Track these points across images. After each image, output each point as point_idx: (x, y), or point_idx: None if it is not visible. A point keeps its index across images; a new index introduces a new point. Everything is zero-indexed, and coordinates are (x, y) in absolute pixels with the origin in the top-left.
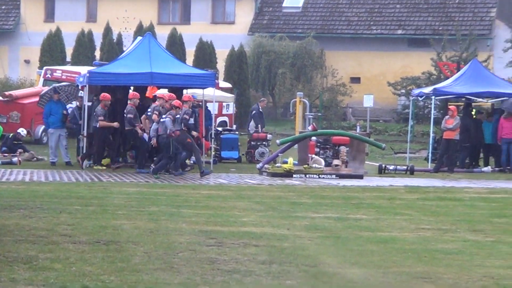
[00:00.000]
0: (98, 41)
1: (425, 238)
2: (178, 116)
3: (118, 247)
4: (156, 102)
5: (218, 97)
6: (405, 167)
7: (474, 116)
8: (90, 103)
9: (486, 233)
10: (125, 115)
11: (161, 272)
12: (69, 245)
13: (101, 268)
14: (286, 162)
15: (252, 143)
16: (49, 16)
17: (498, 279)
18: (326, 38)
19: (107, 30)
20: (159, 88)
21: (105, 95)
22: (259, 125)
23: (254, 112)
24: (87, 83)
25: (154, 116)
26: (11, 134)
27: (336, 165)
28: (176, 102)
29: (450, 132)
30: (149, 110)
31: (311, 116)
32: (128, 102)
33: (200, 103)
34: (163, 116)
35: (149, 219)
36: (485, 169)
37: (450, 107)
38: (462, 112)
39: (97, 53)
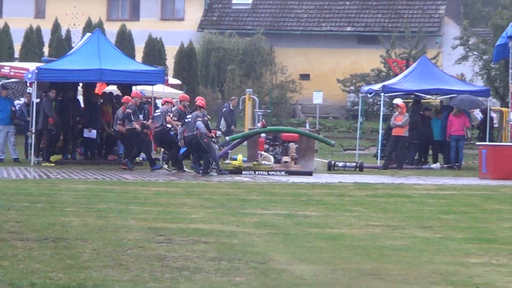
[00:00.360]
0: (46, 37)
1: (374, 235)
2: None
3: (67, 244)
4: (164, 105)
5: (167, 94)
6: (354, 164)
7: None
8: (38, 100)
9: (435, 230)
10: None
11: (110, 269)
12: (17, 242)
13: (49, 265)
14: (235, 159)
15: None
16: None
17: (446, 276)
18: (276, 35)
19: (56, 26)
20: (108, 84)
21: (128, 98)
22: (231, 126)
23: (224, 109)
24: (35, 79)
25: (168, 119)
26: None
27: (286, 162)
28: (200, 103)
29: (399, 129)
30: (157, 111)
31: (261, 113)
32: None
33: (150, 100)
34: (188, 117)
35: (98, 216)
36: (434, 166)
37: (399, 104)
38: (411, 109)
39: (46, 50)
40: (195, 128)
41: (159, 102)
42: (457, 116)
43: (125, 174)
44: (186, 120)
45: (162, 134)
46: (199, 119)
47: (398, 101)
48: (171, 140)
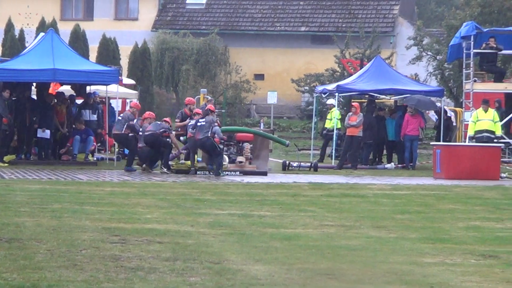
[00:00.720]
0: None
1: (328, 235)
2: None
3: (21, 244)
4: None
5: (121, 94)
6: (308, 164)
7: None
8: None
9: (389, 230)
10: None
11: (64, 270)
12: None
13: (3, 266)
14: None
15: None
16: None
17: (401, 275)
18: (230, 35)
19: (9, 26)
20: (62, 84)
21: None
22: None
23: None
24: None
25: (173, 139)
26: None
27: (240, 162)
28: (211, 107)
29: (354, 129)
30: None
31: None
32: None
33: (104, 100)
34: (201, 120)
35: (52, 216)
36: (388, 165)
37: (353, 104)
38: (365, 109)
39: None
40: (210, 133)
41: (113, 102)
42: (414, 116)
43: (79, 174)
44: (198, 124)
45: (153, 137)
46: (215, 124)
47: (331, 101)
48: (162, 142)
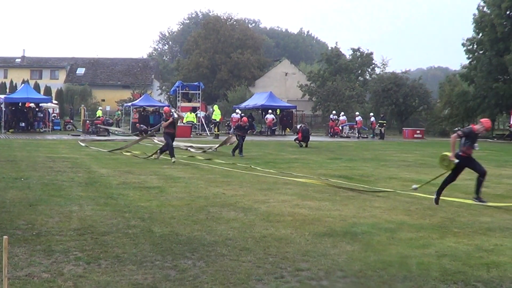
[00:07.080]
0: None
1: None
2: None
3: (13, 162)
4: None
5: (53, 106)
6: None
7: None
8: None
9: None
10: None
11: (31, 172)
12: None
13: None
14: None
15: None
16: None
17: (159, 173)
18: (93, 85)
19: None
20: (31, 103)
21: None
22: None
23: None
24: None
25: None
26: None
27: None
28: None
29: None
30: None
31: (88, 113)
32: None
33: (46, 108)
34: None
35: (27, 151)
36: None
37: (135, 110)
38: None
39: None
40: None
41: (50, 110)
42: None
43: (37, 136)
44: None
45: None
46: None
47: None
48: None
